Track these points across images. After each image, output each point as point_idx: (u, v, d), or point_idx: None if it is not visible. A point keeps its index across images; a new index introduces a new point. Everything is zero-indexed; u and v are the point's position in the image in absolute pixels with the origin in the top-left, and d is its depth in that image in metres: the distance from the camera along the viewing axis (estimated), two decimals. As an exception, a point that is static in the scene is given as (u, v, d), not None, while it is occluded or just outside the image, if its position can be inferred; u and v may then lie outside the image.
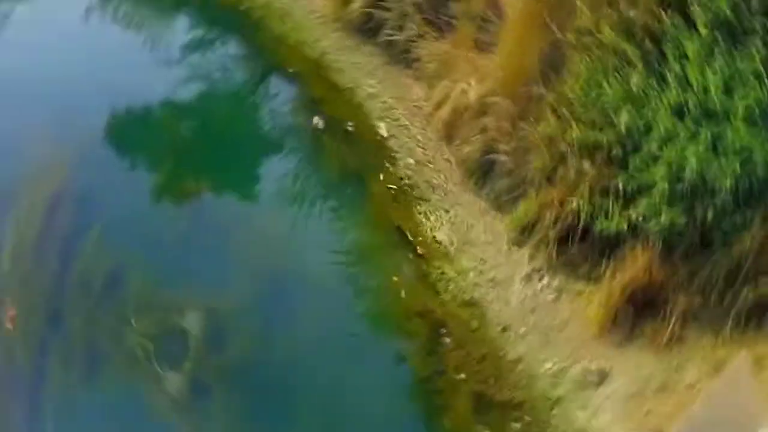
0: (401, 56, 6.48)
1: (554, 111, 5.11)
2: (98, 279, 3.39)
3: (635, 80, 4.55)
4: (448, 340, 4.34)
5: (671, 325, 4.32)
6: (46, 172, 3.91)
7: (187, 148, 4.77)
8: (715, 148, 4.17)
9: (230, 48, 6.40)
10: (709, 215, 4.17)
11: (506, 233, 5.23)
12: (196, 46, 6.19)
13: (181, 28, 6.55)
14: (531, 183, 5.20)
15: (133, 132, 4.71)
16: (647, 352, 4.32)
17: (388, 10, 6.50)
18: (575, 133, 4.85)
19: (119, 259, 3.50)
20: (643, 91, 4.56)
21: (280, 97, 5.86)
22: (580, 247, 4.92)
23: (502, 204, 5.38)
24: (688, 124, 4.33)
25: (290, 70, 6.07)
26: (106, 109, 4.71)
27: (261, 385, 3.55)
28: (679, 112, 4.43)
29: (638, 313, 4.50)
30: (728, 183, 4.04)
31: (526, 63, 5.32)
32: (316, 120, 5.48)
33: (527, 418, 3.99)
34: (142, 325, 3.29)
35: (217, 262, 3.91)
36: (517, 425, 3.94)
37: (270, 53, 6.28)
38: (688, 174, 4.16)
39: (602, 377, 4.27)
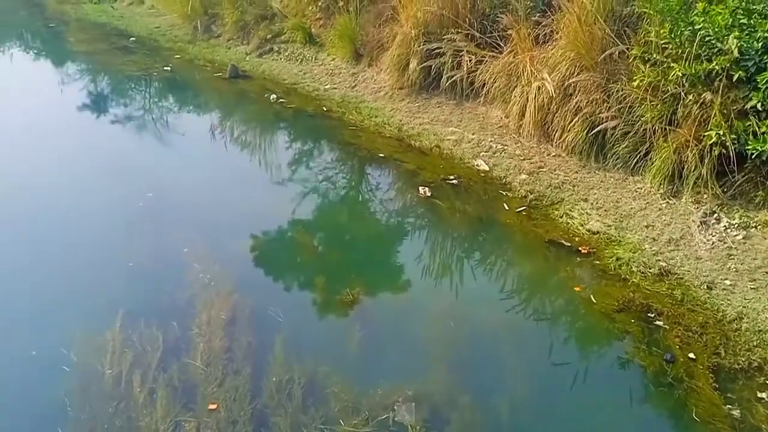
0: (468, 90, 6.56)
1: (645, 61, 5.00)
2: (294, 385, 3.43)
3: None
4: (660, 322, 3.97)
5: None
6: (214, 293, 4.15)
7: (326, 257, 4.85)
8: None
9: (324, 152, 6.75)
10: None
11: (655, 191, 4.95)
12: (297, 158, 6.59)
13: (282, 142, 7.06)
14: (653, 134, 4.98)
15: (273, 250, 4.93)
16: None
17: (441, 55, 6.66)
18: (681, 71, 4.67)
19: (309, 366, 3.56)
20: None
21: (382, 183, 5.96)
22: (743, 176, 4.58)
23: (633, 167, 5.18)
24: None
25: (380, 155, 6.24)
26: (242, 230, 5.00)
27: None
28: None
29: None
30: None
31: (597, 33, 5.31)
32: (422, 190, 5.52)
33: (772, 384, 3.51)
34: (352, 425, 3.26)
35: (402, 353, 3.85)
36: (763, 395, 3.47)
37: (358, 145, 6.52)
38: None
39: (837, 315, 3.78)
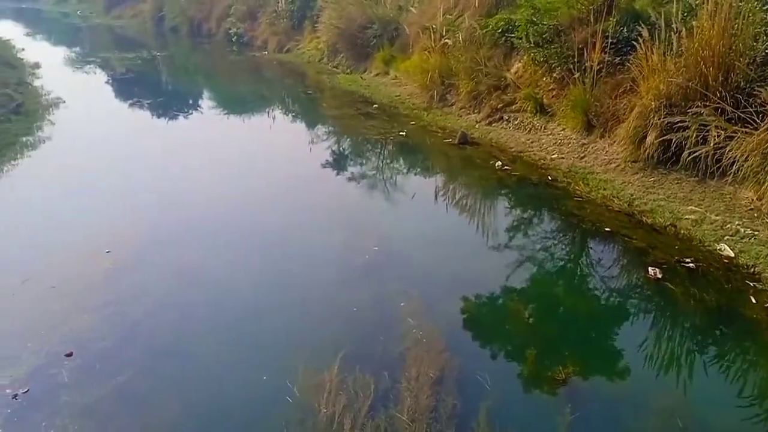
0: (713, 168, 6.03)
1: None
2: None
3: None
4: None
5: None
6: (425, 349, 4.22)
7: (538, 329, 4.63)
8: None
9: (545, 222, 6.61)
10: None
11: None
12: (516, 225, 6.52)
13: (502, 208, 7.09)
14: None
15: (485, 314, 4.87)
16: None
17: (684, 129, 6.25)
18: None
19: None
20: None
21: (605, 259, 5.61)
22: None
23: None
24: None
25: (606, 229, 5.96)
26: (456, 291, 5.04)
27: None
28: None
29: None
30: None
31: None
32: (652, 271, 5.11)
33: None
34: None
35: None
36: None
37: (582, 217, 6.32)
38: None
39: None
